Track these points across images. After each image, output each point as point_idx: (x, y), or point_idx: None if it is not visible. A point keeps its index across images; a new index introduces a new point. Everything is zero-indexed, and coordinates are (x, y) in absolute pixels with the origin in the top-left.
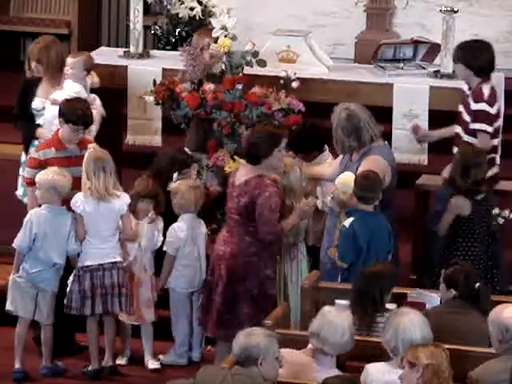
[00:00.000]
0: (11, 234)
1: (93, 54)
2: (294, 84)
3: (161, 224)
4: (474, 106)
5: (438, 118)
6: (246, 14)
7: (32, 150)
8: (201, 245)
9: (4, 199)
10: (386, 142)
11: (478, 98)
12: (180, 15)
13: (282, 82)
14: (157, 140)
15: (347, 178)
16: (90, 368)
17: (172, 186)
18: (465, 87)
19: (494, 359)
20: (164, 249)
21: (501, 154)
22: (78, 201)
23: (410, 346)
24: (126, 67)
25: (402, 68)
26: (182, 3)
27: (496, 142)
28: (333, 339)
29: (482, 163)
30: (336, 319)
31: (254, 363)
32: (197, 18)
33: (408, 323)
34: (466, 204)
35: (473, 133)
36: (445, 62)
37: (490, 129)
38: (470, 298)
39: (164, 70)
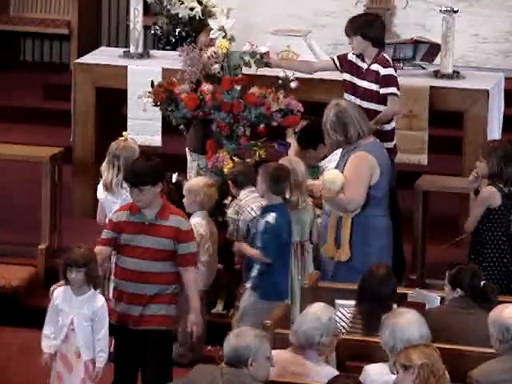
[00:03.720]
0: (11, 234)
1: (93, 53)
2: (293, 84)
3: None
4: (384, 72)
5: (438, 118)
6: (246, 14)
7: None
8: (215, 242)
9: (4, 199)
10: (378, 140)
11: (387, 64)
12: (180, 15)
13: (280, 82)
14: (157, 140)
15: (334, 176)
16: None
17: (190, 184)
18: (357, 62)
19: (493, 359)
20: None
21: None
22: (99, 189)
23: (406, 345)
24: (125, 67)
25: (402, 68)
26: (182, 3)
27: None
28: (301, 329)
29: None
30: (310, 312)
31: (243, 364)
32: (197, 18)
33: (405, 322)
34: (497, 195)
35: (382, 100)
36: (445, 61)
37: (399, 93)
38: (476, 297)
39: (164, 69)
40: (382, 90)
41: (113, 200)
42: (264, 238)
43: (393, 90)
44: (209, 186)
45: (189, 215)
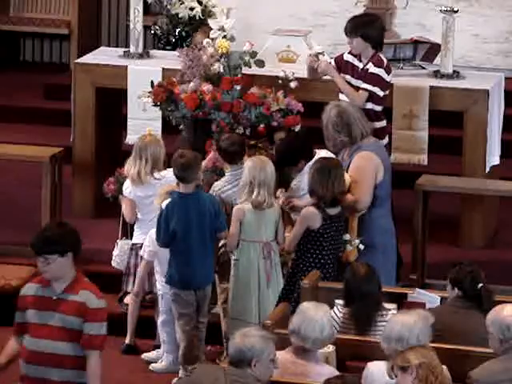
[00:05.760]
0: (11, 234)
1: (93, 53)
2: (293, 84)
3: None
4: (373, 70)
5: (438, 118)
6: (246, 13)
7: None
8: None
9: (4, 199)
10: (379, 140)
11: (379, 63)
12: (180, 15)
13: (280, 82)
14: None
15: None
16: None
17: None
18: (354, 61)
19: (494, 359)
20: (141, 254)
21: (501, 154)
22: (128, 187)
23: (398, 344)
24: (125, 67)
25: (402, 68)
26: (182, 3)
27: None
28: (313, 335)
29: (342, 174)
30: (315, 315)
31: (247, 364)
32: (197, 18)
33: (406, 322)
34: (318, 216)
35: (379, 99)
36: (445, 61)
37: (381, 93)
38: (475, 299)
39: (164, 69)
40: (362, 85)
41: (145, 194)
42: (156, 223)
43: (372, 88)
44: None
45: None
